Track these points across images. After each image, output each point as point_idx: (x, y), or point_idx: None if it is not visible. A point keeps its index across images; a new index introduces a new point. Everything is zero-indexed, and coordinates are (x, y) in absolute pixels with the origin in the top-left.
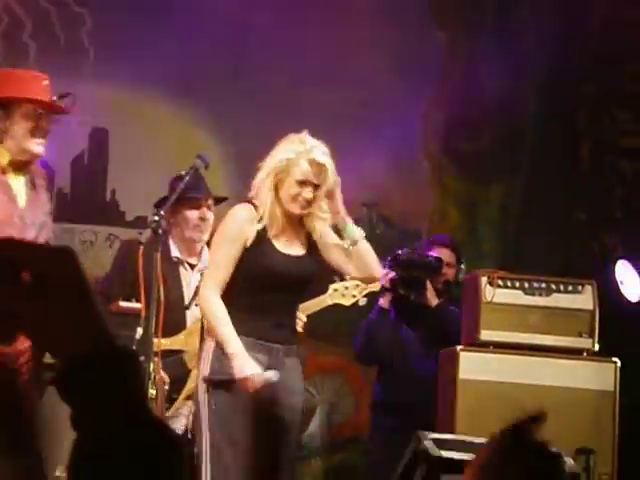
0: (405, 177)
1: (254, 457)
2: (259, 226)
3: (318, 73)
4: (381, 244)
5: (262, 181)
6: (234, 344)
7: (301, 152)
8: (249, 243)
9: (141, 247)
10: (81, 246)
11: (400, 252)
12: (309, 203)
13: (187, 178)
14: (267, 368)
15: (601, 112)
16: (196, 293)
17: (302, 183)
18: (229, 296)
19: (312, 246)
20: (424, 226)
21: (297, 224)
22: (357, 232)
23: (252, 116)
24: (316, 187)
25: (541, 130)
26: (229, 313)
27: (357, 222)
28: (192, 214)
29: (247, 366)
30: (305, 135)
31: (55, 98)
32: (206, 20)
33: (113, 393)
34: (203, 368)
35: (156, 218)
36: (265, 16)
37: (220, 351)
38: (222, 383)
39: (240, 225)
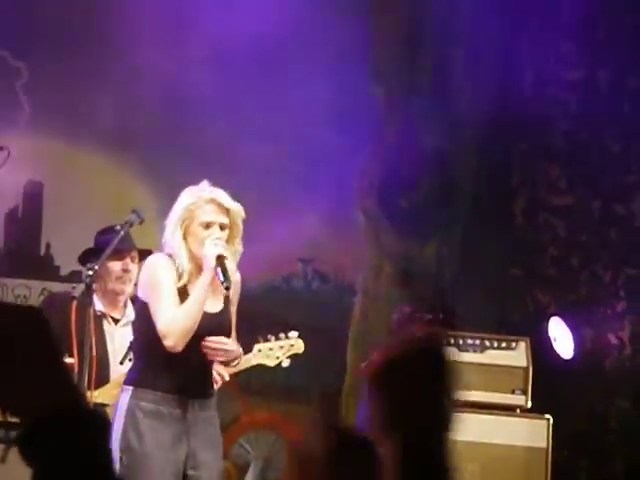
0: (341, 232)
1: None
2: (177, 281)
3: (254, 129)
4: (316, 299)
5: (171, 235)
6: (191, 298)
7: (201, 196)
8: None
9: (74, 302)
10: (15, 301)
11: None
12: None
13: (121, 233)
14: (182, 421)
15: (534, 169)
16: (130, 348)
17: (207, 225)
18: (147, 348)
19: (226, 298)
20: (359, 281)
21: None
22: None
23: (188, 170)
24: (223, 228)
25: (477, 186)
26: (148, 366)
27: (293, 277)
28: (115, 265)
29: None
30: (204, 182)
31: None
32: (143, 73)
33: (79, 454)
34: (117, 426)
35: (90, 273)
36: (202, 70)
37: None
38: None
39: (167, 270)
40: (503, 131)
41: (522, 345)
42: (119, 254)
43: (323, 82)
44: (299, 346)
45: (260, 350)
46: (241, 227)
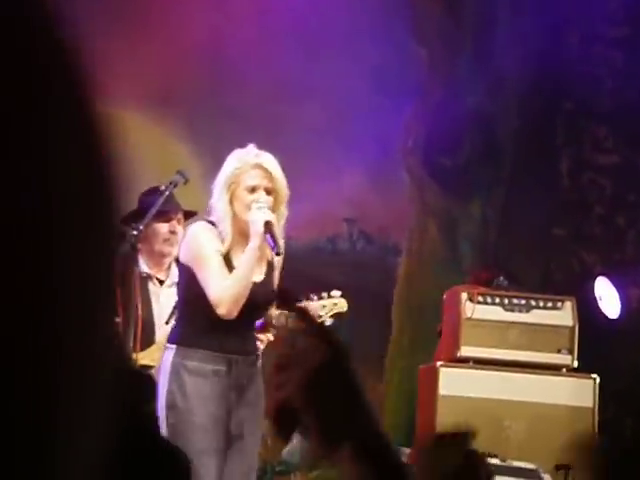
0: (385, 192)
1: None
2: (222, 248)
3: (297, 88)
4: (361, 259)
5: (217, 199)
6: (242, 266)
7: (247, 159)
8: None
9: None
10: None
11: None
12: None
13: (166, 193)
14: (226, 377)
15: (580, 128)
16: (175, 308)
17: (253, 189)
18: (191, 310)
19: (269, 265)
20: (403, 241)
21: None
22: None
23: (230, 132)
24: (269, 192)
25: (521, 146)
26: (192, 327)
27: (338, 237)
28: (162, 227)
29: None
30: (250, 146)
31: None
32: (185, 34)
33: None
34: (161, 384)
35: (134, 233)
36: (243, 31)
37: (178, 364)
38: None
39: (212, 240)
40: (548, 90)
41: (568, 305)
42: (165, 216)
43: (366, 42)
44: (342, 305)
45: None
46: (287, 192)
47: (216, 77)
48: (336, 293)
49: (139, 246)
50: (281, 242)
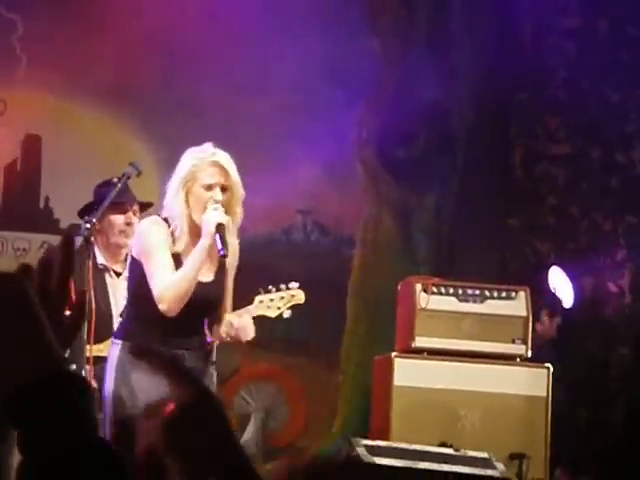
0: (339, 183)
1: None
2: (172, 245)
3: (251, 82)
4: (316, 251)
5: (173, 197)
6: (188, 264)
7: (204, 157)
8: None
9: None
10: (14, 253)
11: None
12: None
13: (119, 185)
14: None
15: (533, 119)
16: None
17: (209, 187)
18: (139, 304)
19: (220, 267)
20: (358, 232)
21: None
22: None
23: (184, 124)
24: (224, 190)
25: (475, 137)
26: (138, 323)
27: (292, 229)
28: (118, 219)
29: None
30: (207, 144)
31: None
32: (139, 27)
33: (58, 417)
34: (108, 380)
35: (88, 226)
36: (197, 23)
37: (124, 360)
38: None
39: (161, 235)
40: (501, 81)
41: (522, 295)
42: (121, 207)
43: (320, 34)
44: (300, 297)
45: (261, 301)
46: (242, 192)
47: (170, 71)
48: (294, 285)
49: (94, 238)
50: (234, 244)
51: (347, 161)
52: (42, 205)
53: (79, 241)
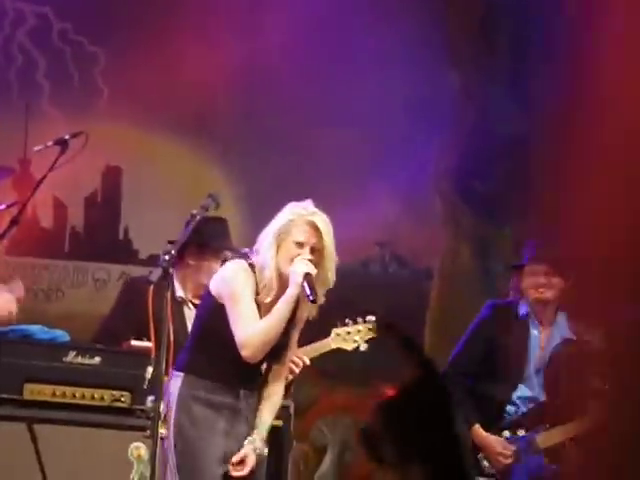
0: (418, 216)
1: None
2: (257, 294)
3: (330, 114)
4: (393, 283)
5: (266, 246)
6: (275, 313)
7: (302, 214)
8: None
9: (151, 286)
10: (94, 284)
11: None
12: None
13: (198, 217)
14: (233, 409)
15: None
16: None
17: (300, 245)
18: (208, 341)
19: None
20: (436, 265)
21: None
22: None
23: (264, 157)
24: (313, 251)
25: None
26: (204, 357)
27: (370, 261)
28: (216, 267)
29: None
30: (308, 202)
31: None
32: (219, 59)
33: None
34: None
35: (167, 257)
36: (277, 57)
37: (186, 394)
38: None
39: (249, 282)
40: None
41: None
42: (224, 256)
43: (400, 67)
44: (376, 329)
45: (338, 334)
46: (334, 259)
47: (250, 101)
48: (370, 318)
49: (171, 270)
50: (321, 292)
51: (426, 194)
52: (122, 236)
53: (157, 273)
